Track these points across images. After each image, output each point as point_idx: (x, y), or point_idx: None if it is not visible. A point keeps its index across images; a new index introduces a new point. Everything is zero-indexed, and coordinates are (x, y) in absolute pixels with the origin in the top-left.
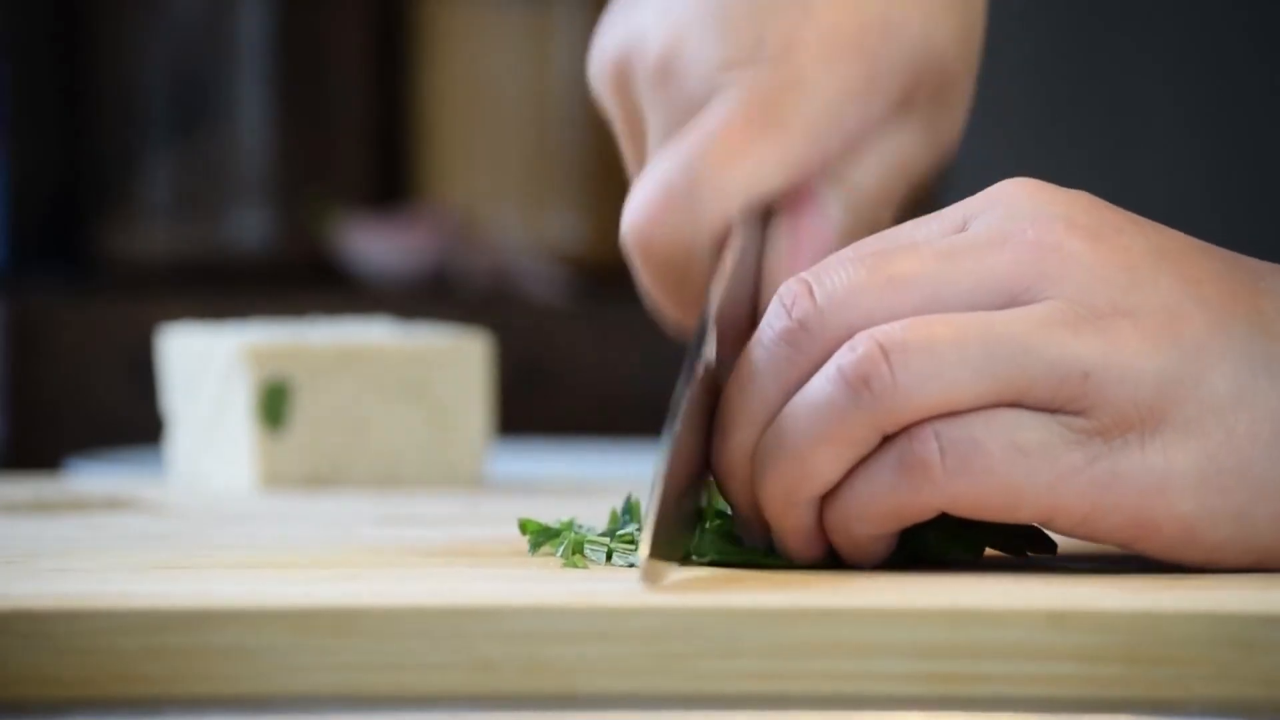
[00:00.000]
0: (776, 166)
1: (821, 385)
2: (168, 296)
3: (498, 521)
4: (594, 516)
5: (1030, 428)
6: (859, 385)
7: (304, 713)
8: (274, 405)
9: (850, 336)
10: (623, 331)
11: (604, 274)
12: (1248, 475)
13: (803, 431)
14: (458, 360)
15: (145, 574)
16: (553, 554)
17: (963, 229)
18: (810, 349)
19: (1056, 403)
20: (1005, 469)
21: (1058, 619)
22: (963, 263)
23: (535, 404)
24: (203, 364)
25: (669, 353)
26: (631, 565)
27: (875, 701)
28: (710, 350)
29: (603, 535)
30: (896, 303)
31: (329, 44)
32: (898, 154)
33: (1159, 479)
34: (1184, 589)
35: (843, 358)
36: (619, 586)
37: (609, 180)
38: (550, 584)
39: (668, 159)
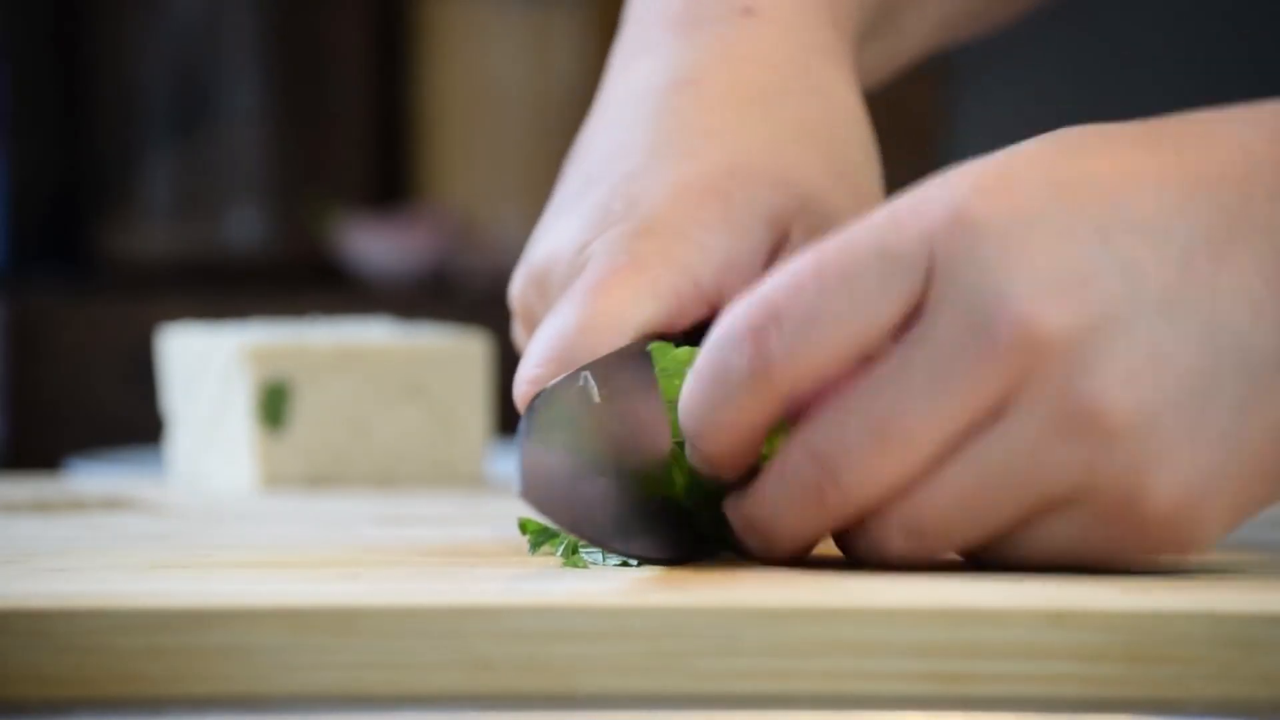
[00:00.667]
0: (647, 298)
1: (777, 480)
2: (168, 296)
3: (498, 521)
4: None
5: (1059, 532)
6: (818, 491)
7: (304, 713)
8: (274, 405)
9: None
10: None
11: None
12: (1262, 477)
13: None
14: (458, 360)
15: (145, 574)
16: (553, 554)
17: (923, 295)
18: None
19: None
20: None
21: (1058, 619)
22: (944, 382)
23: None
24: (203, 364)
25: None
26: (625, 565)
27: (875, 701)
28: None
29: None
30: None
31: (329, 44)
32: None
33: (1181, 507)
34: (1184, 589)
35: (793, 456)
36: (619, 586)
37: None
38: (550, 584)
39: (544, 325)
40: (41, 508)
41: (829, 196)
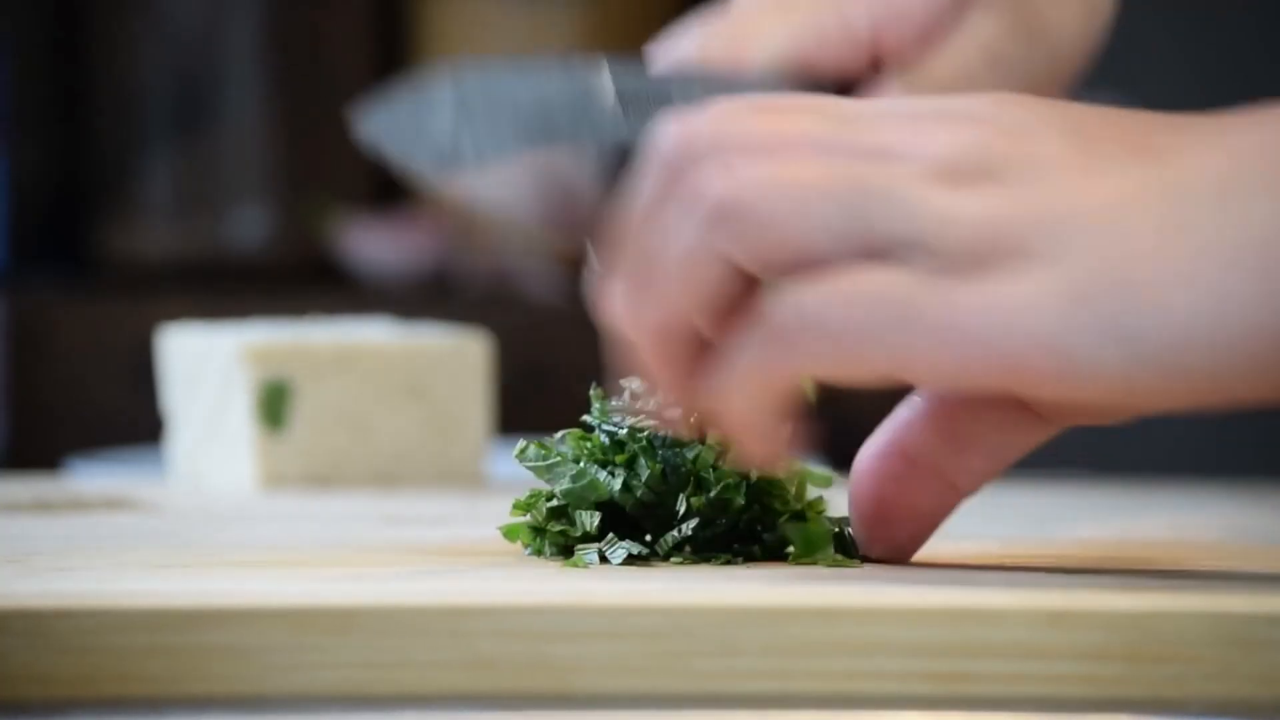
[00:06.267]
0: (786, 27)
1: (681, 221)
2: (168, 296)
3: (498, 521)
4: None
5: (880, 278)
6: (717, 218)
7: (304, 712)
8: (274, 405)
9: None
10: None
11: None
12: (1123, 283)
13: (668, 262)
14: (458, 360)
15: (145, 574)
16: (548, 553)
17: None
18: None
19: (913, 243)
20: (858, 322)
21: (1058, 618)
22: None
23: (535, 404)
24: (203, 364)
25: None
26: (632, 557)
27: (875, 701)
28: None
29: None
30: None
31: (329, 44)
32: (979, 42)
33: (1017, 302)
34: (1184, 588)
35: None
36: (619, 586)
37: None
38: (550, 583)
39: (679, 40)
40: (42, 508)
41: None
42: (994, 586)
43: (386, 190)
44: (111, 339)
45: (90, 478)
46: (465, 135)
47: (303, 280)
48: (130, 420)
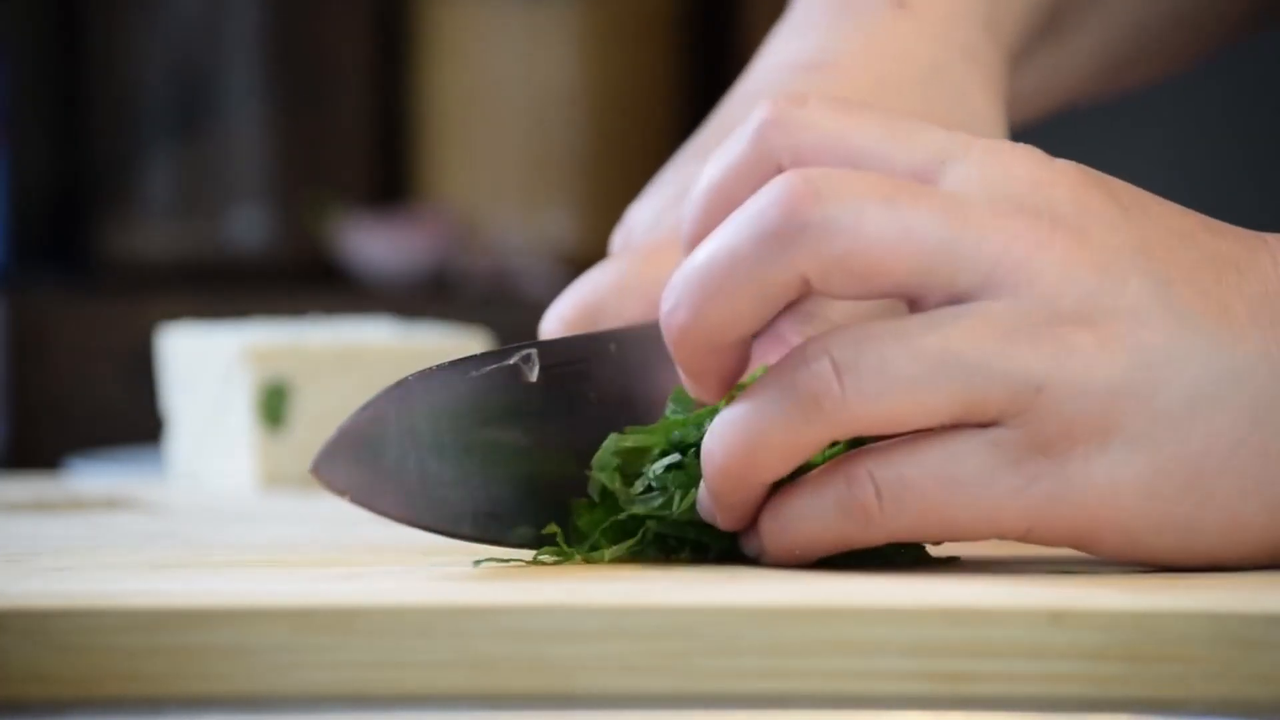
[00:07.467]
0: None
1: (773, 394)
2: (168, 296)
3: None
4: None
5: (965, 455)
6: (810, 404)
7: (303, 712)
8: (274, 405)
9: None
10: None
11: None
12: (1196, 485)
13: (754, 428)
14: None
15: (145, 573)
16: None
17: (942, 162)
18: (788, 261)
19: (1005, 415)
20: (941, 503)
21: (1058, 618)
22: (971, 227)
23: None
24: (203, 364)
25: None
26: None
27: (875, 701)
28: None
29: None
30: (901, 229)
31: (328, 44)
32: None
33: (1102, 494)
34: (1184, 588)
35: (796, 370)
36: (619, 586)
37: (607, 181)
38: (550, 584)
39: (588, 274)
40: (41, 507)
41: None
42: (994, 586)
43: (386, 190)
44: (111, 339)
45: (90, 477)
46: (417, 467)
47: (303, 280)
48: (130, 420)
